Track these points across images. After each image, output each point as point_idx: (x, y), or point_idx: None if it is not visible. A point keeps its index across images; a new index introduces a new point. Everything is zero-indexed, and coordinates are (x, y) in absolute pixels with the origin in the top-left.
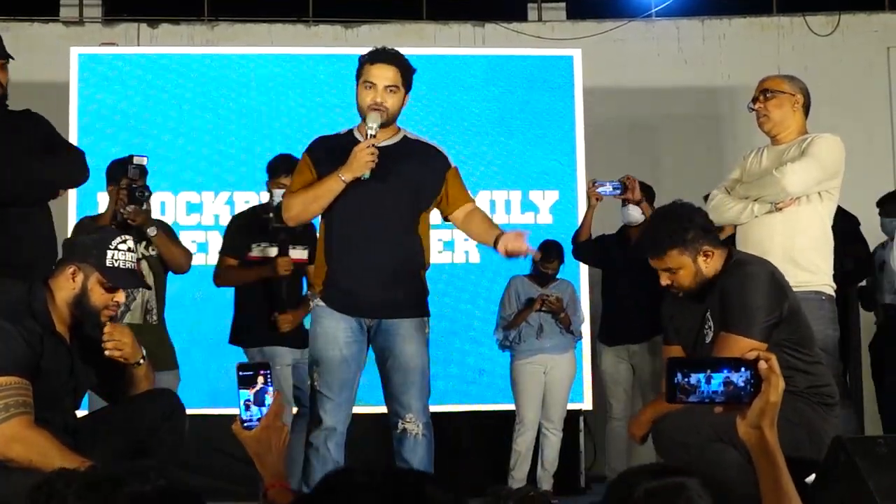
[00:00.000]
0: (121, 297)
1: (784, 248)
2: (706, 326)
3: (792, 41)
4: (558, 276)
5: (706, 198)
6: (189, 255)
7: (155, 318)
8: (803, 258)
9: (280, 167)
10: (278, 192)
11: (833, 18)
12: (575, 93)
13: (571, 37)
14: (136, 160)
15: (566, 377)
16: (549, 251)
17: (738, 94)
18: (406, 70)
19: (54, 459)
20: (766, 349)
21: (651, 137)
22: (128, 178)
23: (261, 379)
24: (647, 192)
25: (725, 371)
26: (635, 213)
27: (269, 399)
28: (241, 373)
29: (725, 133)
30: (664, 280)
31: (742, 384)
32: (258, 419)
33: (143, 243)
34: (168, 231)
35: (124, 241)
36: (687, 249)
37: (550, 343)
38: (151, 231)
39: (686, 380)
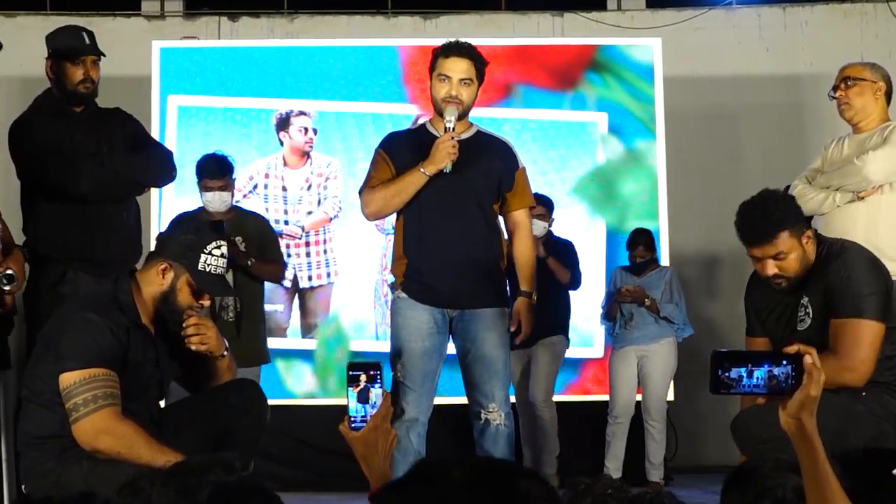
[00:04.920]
0: (207, 301)
1: (867, 237)
2: (802, 314)
3: (876, 28)
4: (660, 264)
5: (787, 189)
6: (280, 267)
7: (231, 315)
8: (887, 246)
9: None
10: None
11: None
12: (655, 82)
13: (651, 26)
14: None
15: (660, 367)
16: (636, 240)
17: (820, 82)
18: (479, 63)
19: (141, 451)
20: (885, 330)
21: (732, 126)
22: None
23: (364, 377)
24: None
25: (767, 365)
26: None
27: (374, 398)
28: (349, 372)
29: (808, 122)
30: (770, 269)
31: (783, 378)
32: (362, 418)
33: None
34: (267, 243)
35: (219, 247)
36: (794, 231)
37: (640, 333)
38: (249, 262)
39: (727, 374)
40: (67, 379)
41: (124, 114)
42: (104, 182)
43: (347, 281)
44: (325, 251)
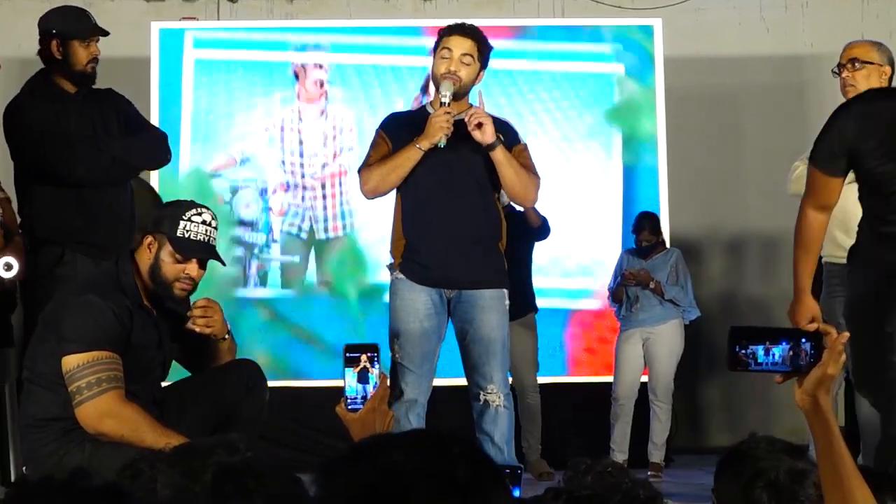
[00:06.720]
0: (193, 270)
1: None
2: None
3: (876, 8)
4: (667, 246)
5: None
6: None
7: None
8: None
9: None
10: None
11: None
12: (655, 63)
13: (652, 6)
14: None
15: (666, 348)
16: (641, 224)
17: (821, 63)
18: (483, 45)
19: (145, 434)
20: None
21: (733, 107)
22: None
23: (364, 358)
24: None
25: (784, 342)
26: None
27: (373, 379)
28: (347, 354)
29: (809, 102)
30: None
31: (801, 355)
32: (362, 398)
33: None
34: None
35: (199, 214)
36: None
37: (646, 315)
38: None
39: (744, 351)
40: (70, 362)
41: (117, 95)
42: (101, 167)
43: (363, 233)
44: (341, 203)
